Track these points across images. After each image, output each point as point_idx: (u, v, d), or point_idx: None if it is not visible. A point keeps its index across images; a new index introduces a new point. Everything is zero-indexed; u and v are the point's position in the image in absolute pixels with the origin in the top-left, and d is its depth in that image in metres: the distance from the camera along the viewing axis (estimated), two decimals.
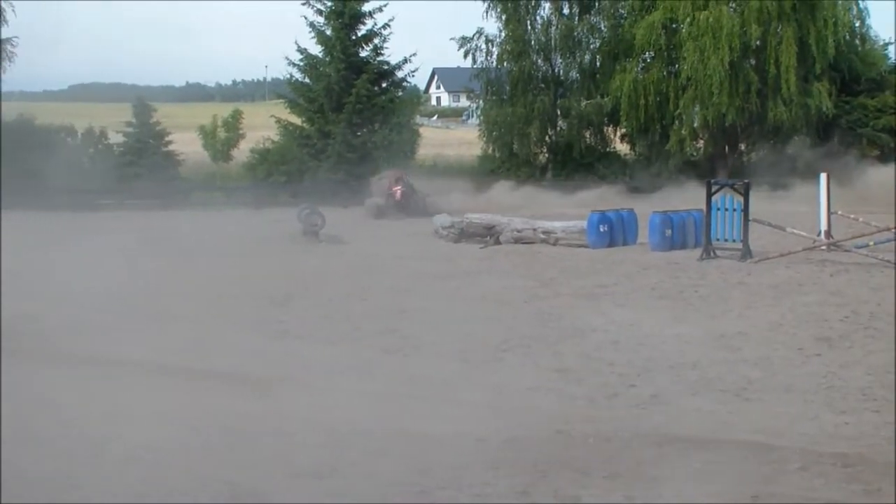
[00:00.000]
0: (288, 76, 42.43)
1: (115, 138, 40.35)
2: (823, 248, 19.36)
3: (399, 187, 31.26)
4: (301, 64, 41.51)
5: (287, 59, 41.67)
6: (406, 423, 8.22)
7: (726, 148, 43.30)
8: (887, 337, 11.47)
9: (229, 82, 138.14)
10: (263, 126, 43.25)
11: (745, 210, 18.94)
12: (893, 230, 18.48)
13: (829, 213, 20.65)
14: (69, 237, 22.90)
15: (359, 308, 14.10)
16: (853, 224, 20.16)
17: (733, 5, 40.24)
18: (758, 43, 38.98)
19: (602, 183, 38.96)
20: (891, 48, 46.04)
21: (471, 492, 6.59)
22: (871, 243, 18.67)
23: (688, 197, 28.60)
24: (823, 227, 20.52)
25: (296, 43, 41.34)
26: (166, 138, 40.47)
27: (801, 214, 24.58)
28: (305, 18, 40.91)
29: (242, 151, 44.50)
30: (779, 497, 6.45)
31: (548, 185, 39.45)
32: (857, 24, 42.74)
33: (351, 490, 6.66)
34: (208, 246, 21.59)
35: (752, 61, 40.39)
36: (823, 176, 21.28)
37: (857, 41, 43.11)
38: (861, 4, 43.04)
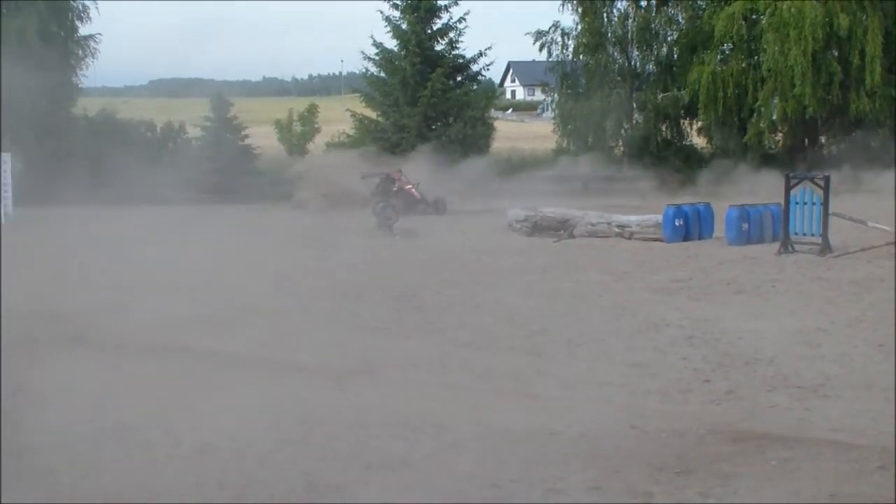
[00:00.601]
0: (363, 70, 42.66)
1: (193, 132, 40.90)
2: None
3: (409, 185, 28.93)
4: (376, 58, 41.70)
5: (363, 53, 41.91)
6: (479, 417, 8.25)
7: (806, 141, 42.66)
8: None
9: (305, 77, 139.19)
10: (339, 120, 43.55)
11: (825, 204, 18.67)
12: None
13: None
14: (157, 231, 23.29)
15: (433, 301, 14.15)
16: None
17: None
18: (843, 34, 38.28)
19: (678, 176, 38.61)
20: None
21: (543, 486, 6.59)
22: None
23: (766, 191, 28.25)
24: None
25: (371, 37, 41.54)
26: (243, 132, 40.92)
27: (882, 208, 24.14)
28: (381, 13, 41.09)
29: (318, 145, 44.87)
30: (858, 496, 6.36)
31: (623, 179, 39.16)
32: None
33: (424, 483, 6.70)
34: (284, 239, 21.81)
35: (835, 52, 39.72)
36: None
37: None
38: None
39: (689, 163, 41.66)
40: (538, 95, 73.07)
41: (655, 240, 21.33)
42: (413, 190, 28.92)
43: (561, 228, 23.01)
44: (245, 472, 6.92)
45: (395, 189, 28.00)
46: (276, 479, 6.79)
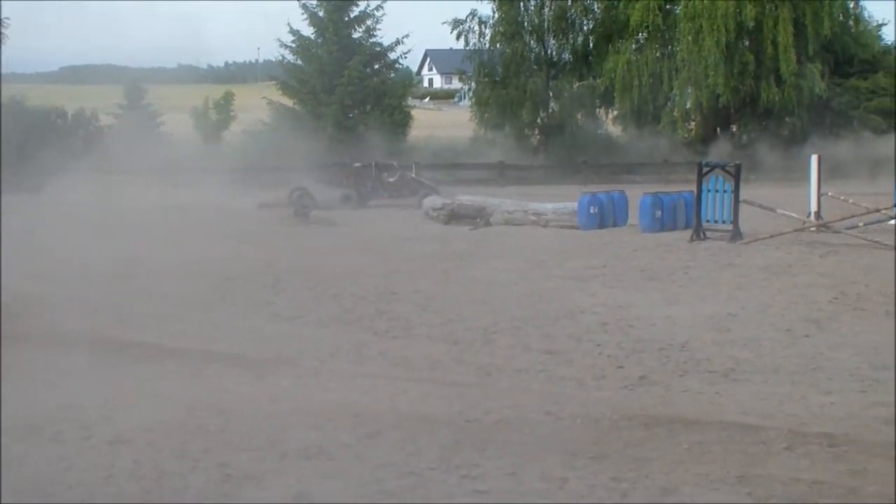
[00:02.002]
0: (280, 58, 42.41)
1: (107, 120, 40.25)
2: (813, 229, 19.44)
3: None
4: (293, 45, 41.50)
5: (279, 40, 41.65)
6: (396, 405, 8.28)
7: (718, 130, 43.38)
8: (875, 318, 11.56)
9: (221, 64, 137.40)
10: (255, 108, 43.17)
11: (736, 192, 19.00)
12: (882, 212, 18.58)
13: (820, 194, 20.71)
14: (65, 216, 22.89)
15: (350, 290, 14.13)
16: (843, 205, 20.23)
17: None
18: (752, 24, 38.95)
19: (593, 164, 39.01)
20: (884, 29, 46.13)
21: (459, 473, 6.64)
22: (861, 224, 18.77)
23: (679, 178, 28.68)
24: (813, 208, 20.58)
25: (288, 24, 41.40)
26: (158, 119, 40.39)
27: (792, 196, 24.63)
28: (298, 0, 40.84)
29: (234, 133, 44.42)
30: (765, 477, 6.50)
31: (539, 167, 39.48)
32: (851, 5, 42.82)
33: (341, 471, 6.71)
34: (199, 227, 21.57)
35: (747, 42, 40.42)
36: (814, 158, 21.32)
37: (851, 22, 43.18)
38: None
39: (604, 151, 42.11)
40: (455, 84, 73.20)
41: (571, 227, 21.53)
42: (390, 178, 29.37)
43: (477, 216, 23.11)
44: (159, 464, 6.86)
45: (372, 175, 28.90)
46: (190, 471, 6.74)
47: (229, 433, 7.52)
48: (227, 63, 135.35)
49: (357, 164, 29.21)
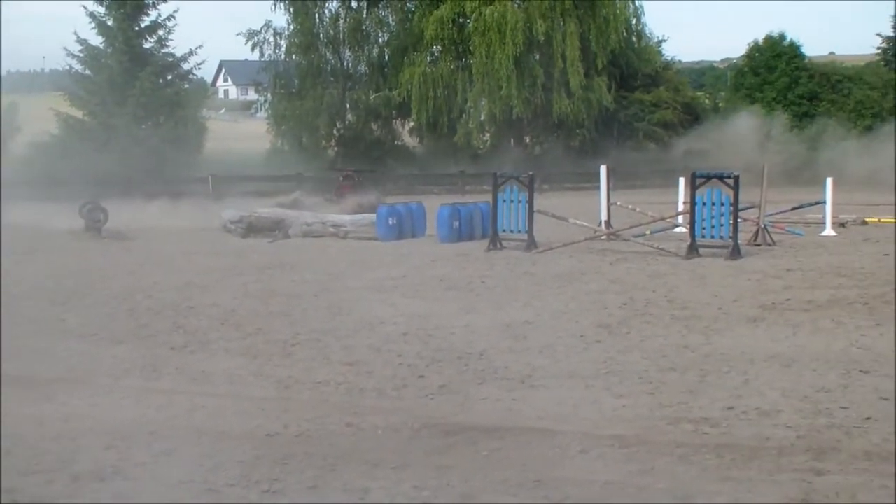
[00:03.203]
0: (68, 67, 41.04)
1: None
2: (604, 237, 20.09)
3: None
4: (81, 55, 40.21)
5: (66, 49, 40.28)
6: (194, 421, 8.12)
7: (512, 141, 44.34)
8: (662, 322, 12.02)
9: (3, 73, 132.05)
10: (42, 118, 41.64)
11: (530, 202, 19.45)
12: (667, 219, 19.38)
13: (609, 203, 21.44)
14: None
15: (145, 305, 13.80)
16: (631, 214, 20.97)
17: (518, 2, 41.29)
18: (542, 38, 40.01)
19: (391, 176, 39.29)
20: (664, 45, 48.20)
21: (259, 488, 6.56)
22: (648, 232, 19.56)
23: (475, 189, 29.16)
24: (604, 217, 21.30)
25: (75, 33, 40.08)
26: None
27: (582, 205, 25.40)
28: (85, 8, 39.64)
29: (19, 145, 42.73)
30: (561, 480, 6.66)
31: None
32: (634, 22, 44.53)
33: (136, 491, 6.53)
34: None
35: (538, 56, 41.50)
36: (604, 168, 22.07)
37: (634, 38, 44.92)
38: (637, 3, 44.81)
39: (400, 161, 42.48)
40: (251, 95, 72.41)
41: (370, 238, 21.62)
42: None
43: (276, 229, 22.96)
44: None
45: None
46: None
47: (15, 457, 7.20)
48: (9, 72, 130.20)
49: None
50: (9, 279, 16.02)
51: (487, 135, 44.41)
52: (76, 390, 9.22)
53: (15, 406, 8.62)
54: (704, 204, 18.19)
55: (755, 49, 47.18)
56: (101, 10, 39.78)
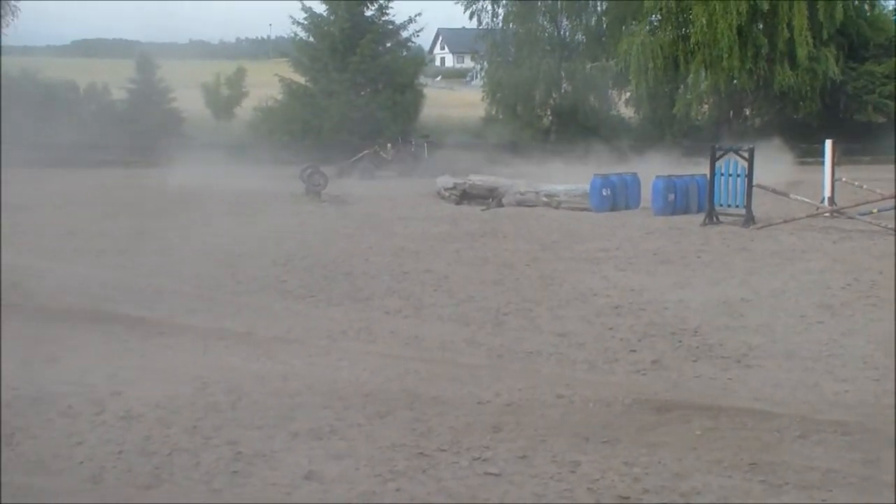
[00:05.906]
0: (292, 34, 42.28)
1: (118, 94, 40.20)
2: (827, 214, 19.35)
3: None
4: (305, 22, 41.34)
5: (291, 17, 41.52)
6: (407, 385, 8.24)
7: (731, 113, 43.19)
8: (889, 305, 11.47)
9: (233, 40, 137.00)
10: (267, 84, 43.12)
11: (749, 176, 18.90)
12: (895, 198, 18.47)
13: (834, 179, 20.61)
14: (75, 193, 22.91)
15: (361, 269, 14.10)
16: (857, 191, 20.13)
17: None
18: (766, 7, 38.73)
19: (606, 146, 38.88)
20: None
21: (470, 455, 6.61)
22: (875, 210, 18.67)
23: (692, 162, 28.55)
24: (827, 193, 20.48)
25: (300, 1, 41.15)
26: (169, 95, 40.32)
27: (805, 181, 24.54)
28: None
29: (245, 109, 44.38)
30: (777, 465, 6.45)
31: (551, 148, 39.32)
32: None
33: (351, 451, 6.68)
34: (211, 204, 21.56)
35: (761, 25, 40.19)
36: (828, 143, 21.19)
37: (866, 6, 42.91)
38: None
39: (616, 132, 41.97)
40: (467, 63, 73.03)
41: (583, 209, 21.47)
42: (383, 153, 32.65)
43: (489, 197, 23.06)
44: (170, 441, 6.84)
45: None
46: (201, 448, 6.72)
47: (240, 411, 7.50)
48: (238, 39, 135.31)
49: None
50: (233, 239, 16.67)
51: (706, 106, 43.38)
52: (294, 349, 9.51)
53: (239, 361, 8.97)
54: None
55: None
56: None
